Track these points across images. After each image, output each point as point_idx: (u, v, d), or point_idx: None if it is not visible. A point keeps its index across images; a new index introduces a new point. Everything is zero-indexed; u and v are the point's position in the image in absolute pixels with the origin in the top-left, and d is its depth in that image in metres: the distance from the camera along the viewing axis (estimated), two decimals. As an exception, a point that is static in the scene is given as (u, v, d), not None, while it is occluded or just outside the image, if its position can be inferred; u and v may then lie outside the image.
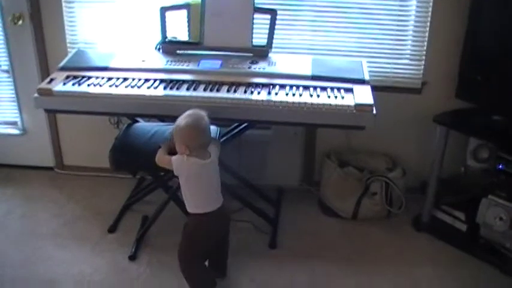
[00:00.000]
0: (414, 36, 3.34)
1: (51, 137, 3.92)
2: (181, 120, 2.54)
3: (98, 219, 3.46)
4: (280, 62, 3.06)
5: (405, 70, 3.43)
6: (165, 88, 2.83)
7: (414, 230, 3.39)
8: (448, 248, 3.23)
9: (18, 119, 3.91)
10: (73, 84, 2.90)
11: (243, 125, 3.13)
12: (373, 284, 2.96)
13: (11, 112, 3.92)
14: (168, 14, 3.16)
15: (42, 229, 3.39)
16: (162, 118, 3.21)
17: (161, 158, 2.66)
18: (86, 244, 3.25)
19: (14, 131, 3.95)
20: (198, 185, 2.61)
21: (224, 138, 3.13)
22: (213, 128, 3.08)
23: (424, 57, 3.36)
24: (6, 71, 3.75)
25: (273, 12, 3.08)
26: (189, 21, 3.17)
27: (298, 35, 3.41)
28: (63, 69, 3.08)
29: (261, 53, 3.11)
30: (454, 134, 3.17)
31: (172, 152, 2.63)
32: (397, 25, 3.34)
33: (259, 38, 3.14)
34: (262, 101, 2.70)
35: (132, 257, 3.09)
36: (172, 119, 3.04)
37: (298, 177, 3.71)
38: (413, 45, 3.37)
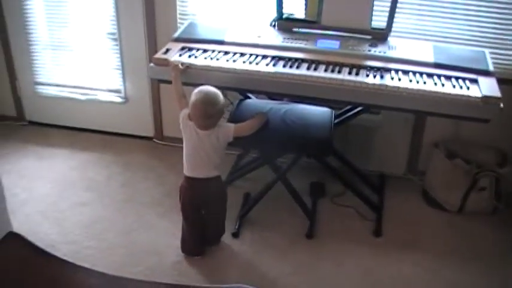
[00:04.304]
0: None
1: (152, 107, 3.94)
2: (195, 94, 2.67)
3: (199, 193, 3.46)
4: (400, 46, 2.97)
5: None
6: (284, 66, 2.79)
7: (522, 229, 3.28)
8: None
9: (121, 87, 3.94)
10: (189, 56, 2.90)
11: (358, 109, 3.07)
12: (481, 281, 2.86)
13: (115, 80, 3.95)
14: (285, -10, 3.12)
15: (144, 198, 3.43)
16: (272, 95, 3.18)
17: (177, 101, 2.84)
18: (188, 216, 3.26)
19: (117, 99, 3.99)
20: (188, 146, 2.77)
21: (337, 120, 3.08)
22: (327, 110, 3.05)
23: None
24: (114, 39, 3.77)
25: (395, -5, 2.99)
26: (306, -1, 3.12)
27: (415, 20, 3.29)
28: (177, 40, 3.09)
29: (380, 36, 3.03)
30: None
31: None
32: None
33: (375, 20, 3.07)
34: (386, 86, 2.63)
35: (236, 234, 3.09)
36: (289, 97, 3.04)
37: (403, 166, 3.63)
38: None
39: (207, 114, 2.64)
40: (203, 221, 2.91)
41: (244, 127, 2.82)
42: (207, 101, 2.63)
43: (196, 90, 2.67)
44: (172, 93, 2.85)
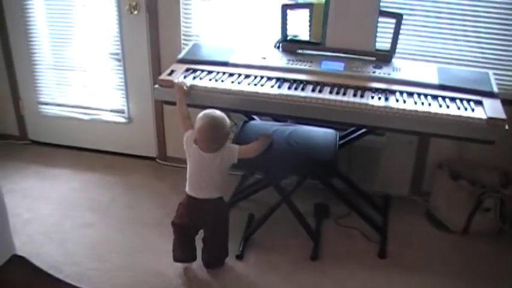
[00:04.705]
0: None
1: (156, 127, 3.94)
2: (201, 118, 2.67)
3: (202, 214, 3.45)
4: (404, 68, 2.97)
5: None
6: (289, 88, 2.79)
7: (527, 250, 3.26)
8: None
9: (125, 107, 3.94)
10: (194, 78, 2.90)
11: (362, 130, 3.08)
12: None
13: (118, 100, 3.95)
14: (289, 12, 3.11)
15: (147, 219, 3.42)
16: (276, 117, 3.17)
17: (182, 122, 2.84)
18: (191, 238, 3.24)
19: (120, 119, 3.99)
20: (191, 167, 2.79)
21: (341, 142, 3.08)
22: (331, 131, 3.05)
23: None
24: (118, 60, 3.78)
25: (398, 17, 2.99)
26: (310, 21, 3.12)
27: (419, 42, 3.29)
28: (182, 61, 3.09)
29: (384, 57, 3.04)
30: None
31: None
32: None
33: (379, 42, 3.07)
34: (391, 108, 2.63)
35: (240, 256, 3.07)
36: (293, 119, 3.04)
37: (407, 186, 3.62)
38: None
39: (215, 137, 2.66)
40: (193, 234, 2.94)
41: (249, 149, 2.82)
42: (215, 124, 2.65)
43: (201, 114, 2.67)
44: (176, 114, 2.85)
